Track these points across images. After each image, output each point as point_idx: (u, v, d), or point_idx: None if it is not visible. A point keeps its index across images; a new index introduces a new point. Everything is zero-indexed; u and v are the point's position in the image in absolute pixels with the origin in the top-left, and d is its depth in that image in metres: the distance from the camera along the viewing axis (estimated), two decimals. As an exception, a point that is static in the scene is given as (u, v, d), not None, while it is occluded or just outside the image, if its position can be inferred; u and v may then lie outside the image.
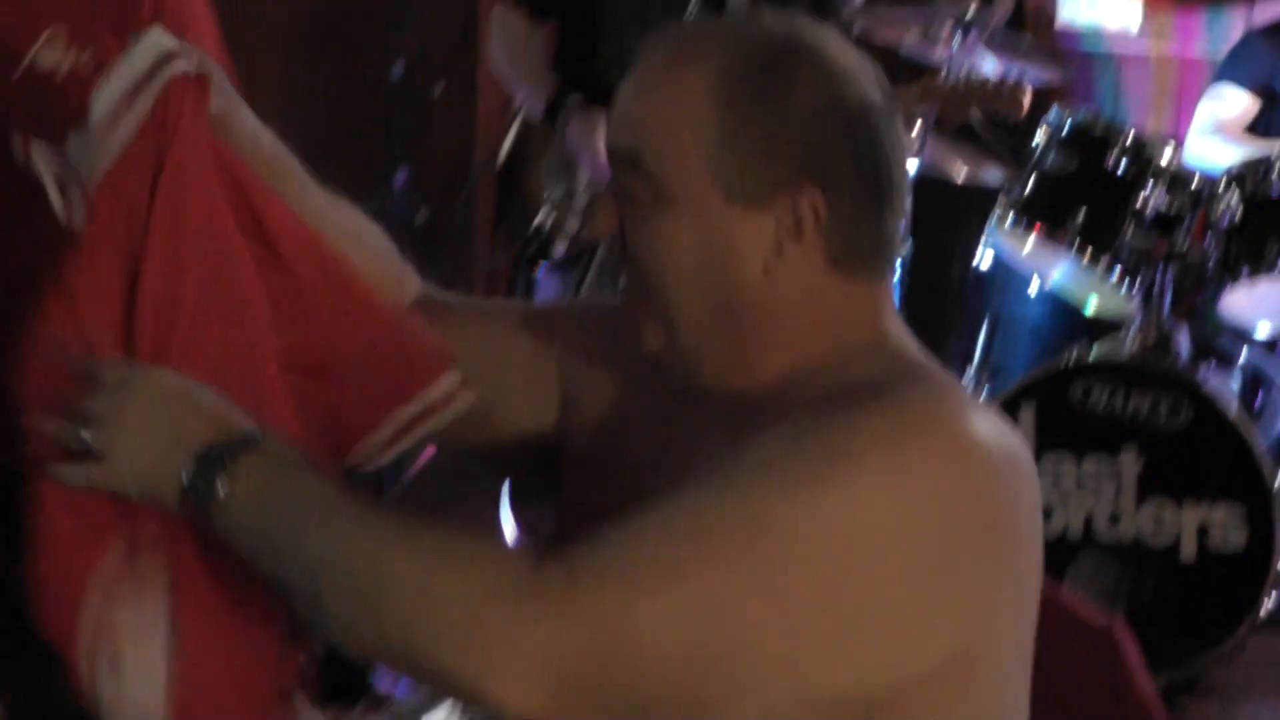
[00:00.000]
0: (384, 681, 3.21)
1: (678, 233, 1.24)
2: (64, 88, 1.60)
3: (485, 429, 1.50)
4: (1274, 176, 3.51)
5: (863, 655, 1.14)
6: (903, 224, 1.39)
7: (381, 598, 1.10)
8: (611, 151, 1.30)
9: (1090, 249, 3.59)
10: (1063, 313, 4.11)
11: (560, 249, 3.48)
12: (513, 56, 3.54)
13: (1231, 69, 4.15)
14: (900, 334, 1.30)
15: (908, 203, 1.31)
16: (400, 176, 4.21)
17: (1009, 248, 3.79)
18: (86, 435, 1.19)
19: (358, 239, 1.46)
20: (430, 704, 3.17)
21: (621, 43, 3.42)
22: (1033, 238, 3.64)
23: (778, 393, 1.28)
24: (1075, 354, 3.59)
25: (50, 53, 1.69)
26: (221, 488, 1.16)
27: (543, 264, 3.53)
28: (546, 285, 3.58)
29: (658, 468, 1.31)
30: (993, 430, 1.22)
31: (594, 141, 3.34)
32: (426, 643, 1.08)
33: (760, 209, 1.22)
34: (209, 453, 1.17)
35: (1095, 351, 3.59)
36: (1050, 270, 3.82)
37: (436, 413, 1.40)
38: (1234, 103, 4.09)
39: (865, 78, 1.25)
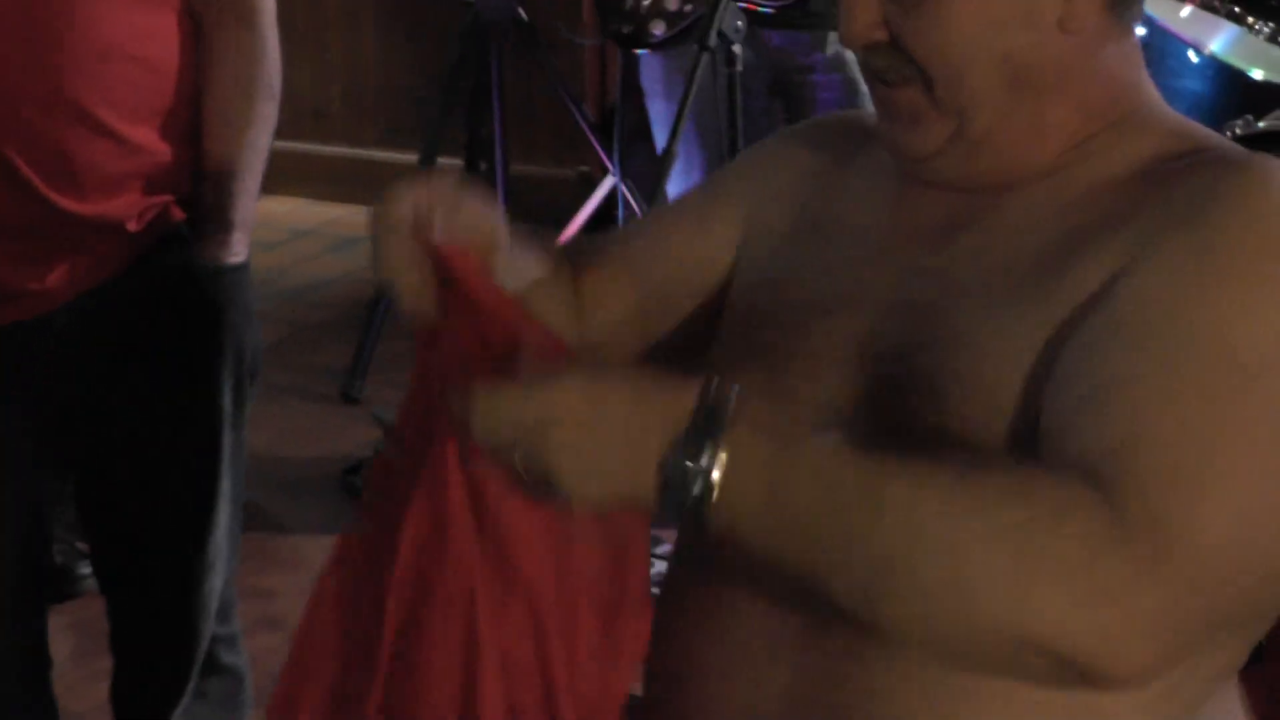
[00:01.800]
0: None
1: (965, 6, 1.22)
2: None
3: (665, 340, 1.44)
4: None
5: None
6: None
7: (974, 591, 1.00)
8: None
9: (1252, 15, 3.54)
10: (1227, 82, 3.94)
11: (659, 30, 3.49)
12: None
13: None
14: (1167, 108, 1.28)
15: None
16: None
17: (1162, 18, 3.64)
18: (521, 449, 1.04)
19: (545, 292, 1.33)
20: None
21: None
22: (1188, 6, 3.57)
23: (1042, 178, 1.27)
24: (1242, 124, 3.65)
25: None
26: (712, 475, 1.02)
27: (649, 41, 3.52)
28: (651, 63, 3.60)
29: (864, 230, 1.31)
30: None
31: None
32: (1030, 629, 0.98)
33: None
34: (692, 429, 1.02)
35: (1265, 123, 3.41)
36: (1210, 39, 3.75)
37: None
38: None
39: None
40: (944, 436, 1.15)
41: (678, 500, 0.98)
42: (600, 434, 1.01)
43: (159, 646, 2.43)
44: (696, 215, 1.46)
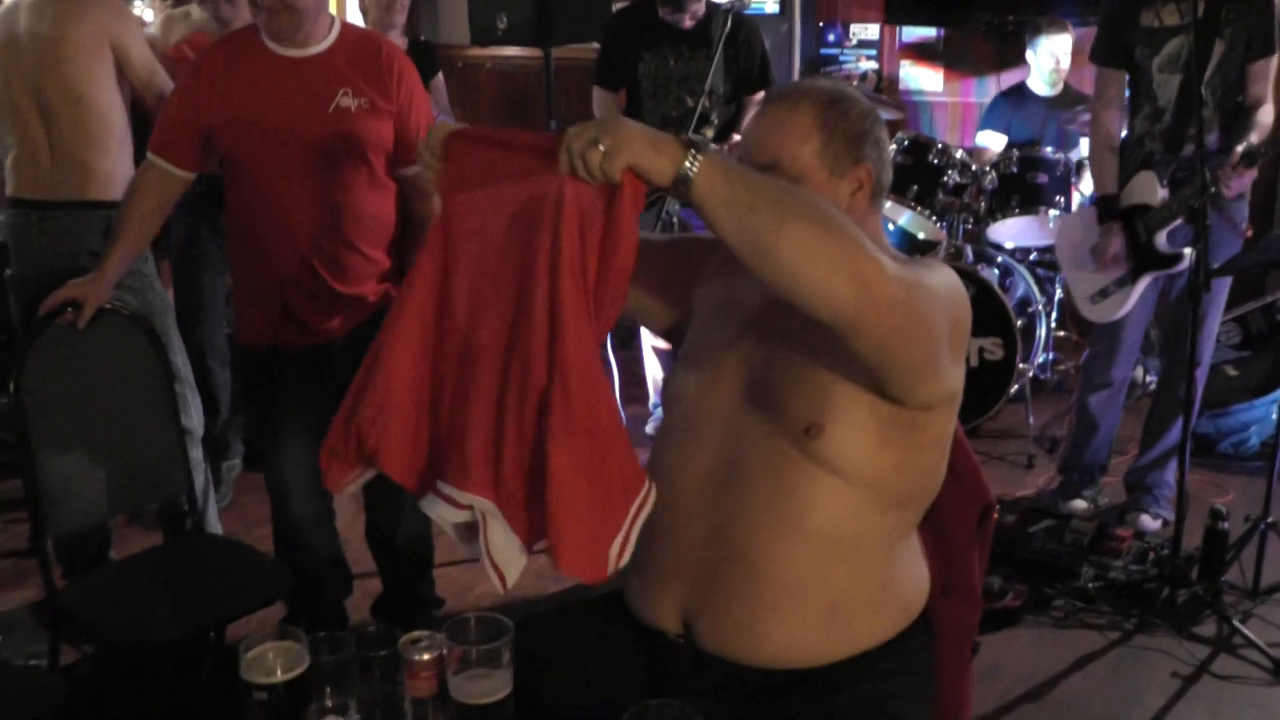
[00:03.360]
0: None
1: None
2: (356, 116, 2.81)
3: (652, 313, 2.09)
4: (1012, 164, 4.81)
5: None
6: None
7: (830, 237, 1.53)
8: (757, 164, 1.79)
9: (920, 205, 4.89)
10: (905, 239, 5.25)
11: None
12: (602, 113, 4.65)
13: (987, 118, 5.47)
14: (887, 243, 1.87)
15: None
16: None
17: None
18: (603, 145, 1.53)
19: None
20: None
21: (653, 103, 4.59)
22: (889, 201, 4.73)
23: None
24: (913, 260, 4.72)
25: (345, 99, 2.86)
26: (698, 164, 1.52)
27: None
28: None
29: (746, 305, 1.89)
30: None
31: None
32: (851, 265, 1.53)
33: (844, 177, 1.81)
34: (688, 144, 1.53)
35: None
36: (899, 217, 5.12)
37: (645, 508, 1.69)
38: (991, 139, 5.40)
39: (873, 106, 1.88)
40: (789, 407, 1.77)
41: (678, 175, 1.50)
42: (640, 133, 1.53)
43: (393, 500, 3.17)
44: (671, 270, 2.05)
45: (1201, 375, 3.90)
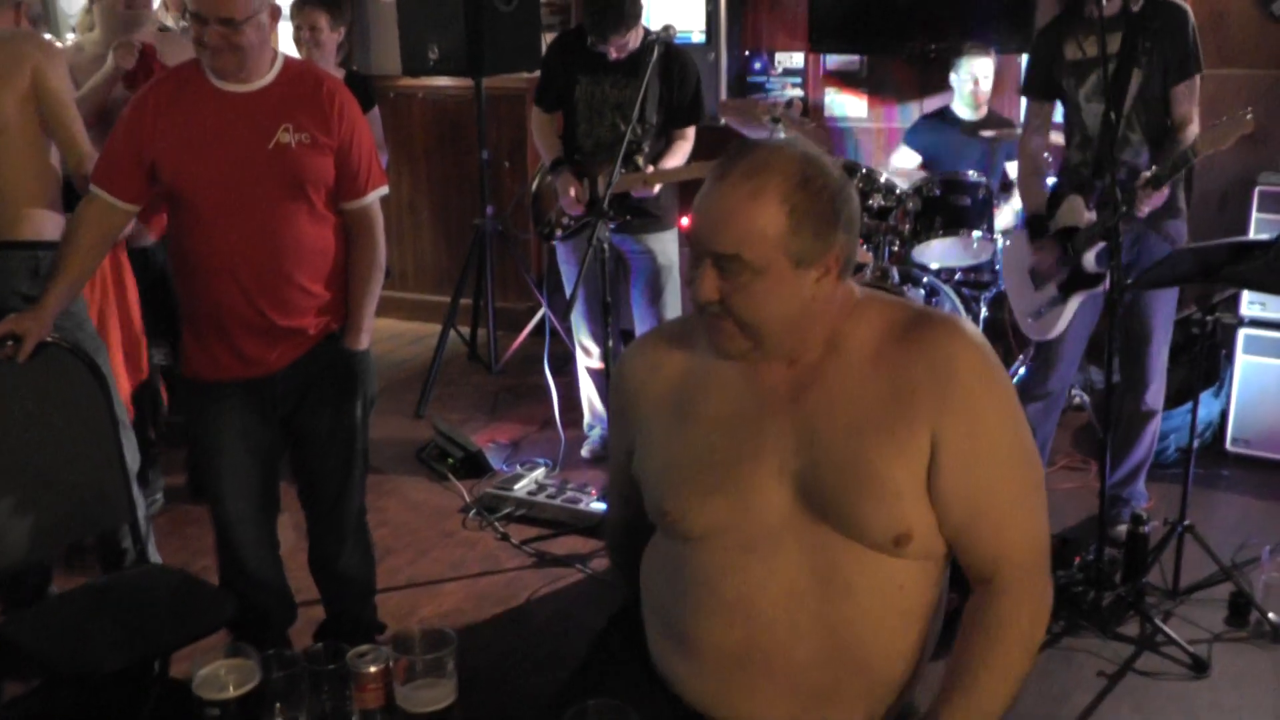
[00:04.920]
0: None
1: (769, 289, 1.66)
2: (297, 152, 2.84)
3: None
4: (935, 187, 4.82)
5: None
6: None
7: (1026, 669, 1.74)
8: (712, 252, 1.68)
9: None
10: None
11: (560, 232, 4.69)
12: (541, 136, 4.74)
13: (908, 138, 5.55)
14: (861, 288, 1.80)
15: None
16: (489, 209, 5.98)
17: None
18: None
19: None
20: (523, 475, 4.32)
21: (587, 126, 4.59)
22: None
23: (824, 353, 1.75)
24: None
25: (286, 135, 2.87)
26: None
27: (557, 237, 4.71)
28: (561, 248, 4.76)
29: (735, 410, 1.77)
30: None
31: (569, 183, 4.47)
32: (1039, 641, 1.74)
33: (811, 267, 1.68)
34: None
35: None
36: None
37: None
38: (906, 157, 5.48)
39: (844, 176, 1.72)
40: (871, 520, 1.69)
41: None
42: None
43: (336, 529, 3.26)
44: (624, 442, 1.97)
45: (1155, 388, 4.10)
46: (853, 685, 1.75)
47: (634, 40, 4.44)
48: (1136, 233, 3.91)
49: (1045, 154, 4.19)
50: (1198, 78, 3.91)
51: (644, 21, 4.55)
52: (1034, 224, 4.10)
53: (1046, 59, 4.05)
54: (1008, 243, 4.43)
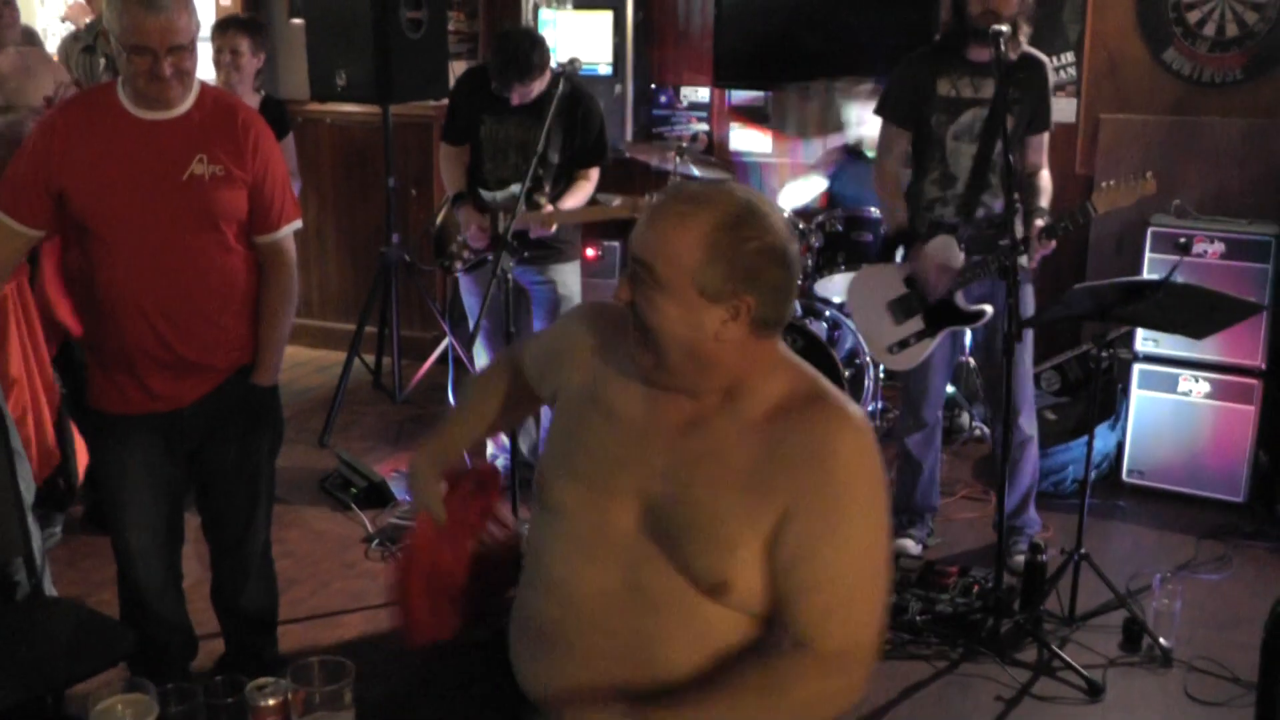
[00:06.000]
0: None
1: (669, 308, 1.70)
2: (210, 184, 2.81)
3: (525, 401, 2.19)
4: (837, 223, 5.01)
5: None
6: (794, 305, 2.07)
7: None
8: (633, 255, 1.74)
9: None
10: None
11: (460, 265, 4.76)
12: (446, 169, 4.78)
13: (833, 183, 5.58)
14: (788, 353, 1.82)
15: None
16: (395, 237, 5.96)
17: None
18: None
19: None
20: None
21: (492, 165, 4.61)
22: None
23: (722, 401, 1.78)
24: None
25: (199, 166, 2.82)
26: None
27: (459, 269, 4.78)
28: (464, 280, 4.83)
29: (629, 419, 1.84)
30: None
31: (472, 218, 4.53)
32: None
33: (717, 303, 1.70)
34: None
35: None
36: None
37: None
38: (804, 191, 5.57)
39: (785, 226, 1.72)
40: (699, 562, 1.74)
41: None
42: None
43: (239, 565, 3.23)
44: (536, 363, 2.09)
45: (1028, 417, 4.17)
46: (642, 689, 1.80)
47: (538, 87, 4.45)
48: (994, 281, 4.01)
49: (903, 177, 4.24)
50: (1047, 134, 4.15)
51: (550, 63, 4.54)
52: (903, 236, 4.14)
53: (915, 88, 4.09)
54: (852, 280, 4.47)
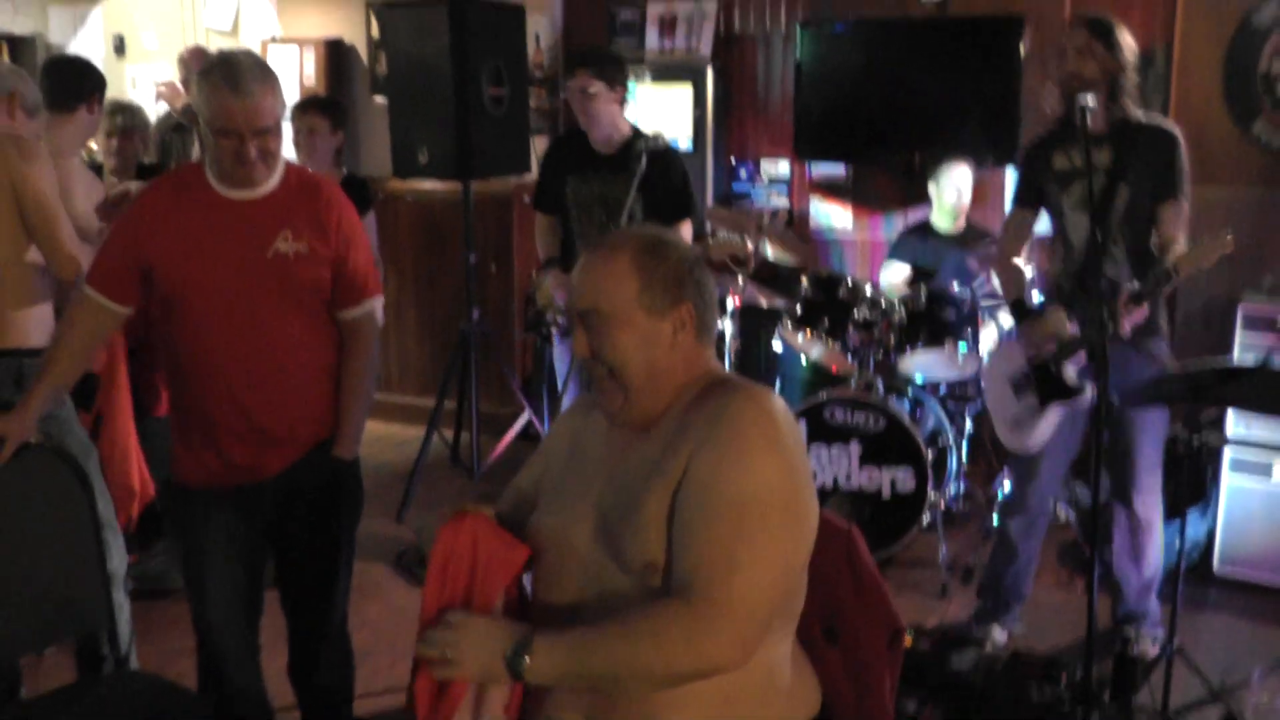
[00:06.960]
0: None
1: (624, 337, 1.88)
2: (294, 261, 2.83)
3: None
4: (921, 301, 4.80)
5: (802, 553, 1.85)
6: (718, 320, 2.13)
7: (655, 671, 1.75)
8: (579, 310, 1.93)
9: (830, 339, 4.95)
10: (817, 373, 5.42)
11: (556, 331, 4.81)
12: (539, 237, 4.81)
13: (894, 251, 5.63)
14: (720, 366, 2.01)
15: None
16: (475, 311, 5.96)
17: (789, 342, 5.01)
18: (450, 653, 1.84)
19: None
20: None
21: (579, 226, 4.69)
22: (801, 335, 4.93)
23: (670, 406, 1.94)
24: (825, 393, 4.83)
25: (284, 244, 2.84)
26: (526, 663, 1.78)
27: (555, 336, 4.81)
28: (559, 346, 4.87)
29: (594, 457, 2.01)
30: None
31: (560, 282, 4.61)
32: (681, 672, 1.76)
33: (664, 318, 1.90)
34: (515, 647, 1.79)
35: (834, 391, 4.83)
36: (812, 351, 5.14)
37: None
38: (897, 270, 5.53)
39: (695, 256, 1.96)
40: (628, 549, 1.85)
41: (513, 671, 1.75)
42: (474, 657, 1.80)
43: (317, 637, 3.20)
44: (530, 474, 2.22)
45: (1146, 501, 4.05)
46: (625, 700, 1.90)
47: (612, 119, 4.50)
48: (1119, 350, 3.85)
49: (1022, 253, 4.21)
50: (1185, 203, 3.87)
51: (632, 122, 4.58)
52: (1018, 308, 4.07)
53: (1035, 167, 4.07)
54: (992, 350, 4.41)
